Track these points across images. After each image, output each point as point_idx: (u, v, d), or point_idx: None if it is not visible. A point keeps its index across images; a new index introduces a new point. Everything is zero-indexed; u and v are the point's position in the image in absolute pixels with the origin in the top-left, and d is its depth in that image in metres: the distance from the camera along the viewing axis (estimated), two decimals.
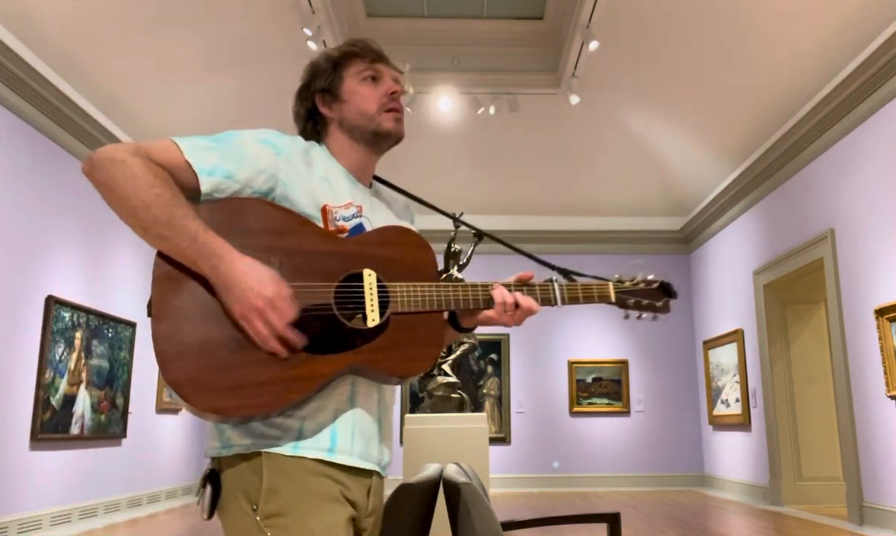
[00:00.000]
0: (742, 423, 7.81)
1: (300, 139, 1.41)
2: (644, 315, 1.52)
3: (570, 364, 9.20)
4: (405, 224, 1.49)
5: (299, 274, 1.22)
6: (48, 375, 5.43)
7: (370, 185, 1.49)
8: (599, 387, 9.22)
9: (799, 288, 7.15)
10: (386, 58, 1.47)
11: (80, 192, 6.07)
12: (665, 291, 1.52)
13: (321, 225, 1.30)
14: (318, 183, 1.34)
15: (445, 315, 1.43)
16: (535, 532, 4.33)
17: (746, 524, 5.90)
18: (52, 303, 5.49)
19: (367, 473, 1.32)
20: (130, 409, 6.81)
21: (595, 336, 9.26)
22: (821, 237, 6.10)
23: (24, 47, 5.17)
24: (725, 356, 8.29)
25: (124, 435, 6.70)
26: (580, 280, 1.49)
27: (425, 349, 1.28)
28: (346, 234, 1.32)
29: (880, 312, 5.16)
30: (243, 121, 7.45)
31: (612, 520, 2.38)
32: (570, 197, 9.13)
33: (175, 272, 1.18)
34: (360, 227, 1.34)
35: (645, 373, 9.28)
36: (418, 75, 7.04)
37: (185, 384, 1.14)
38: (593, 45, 6.34)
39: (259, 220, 1.24)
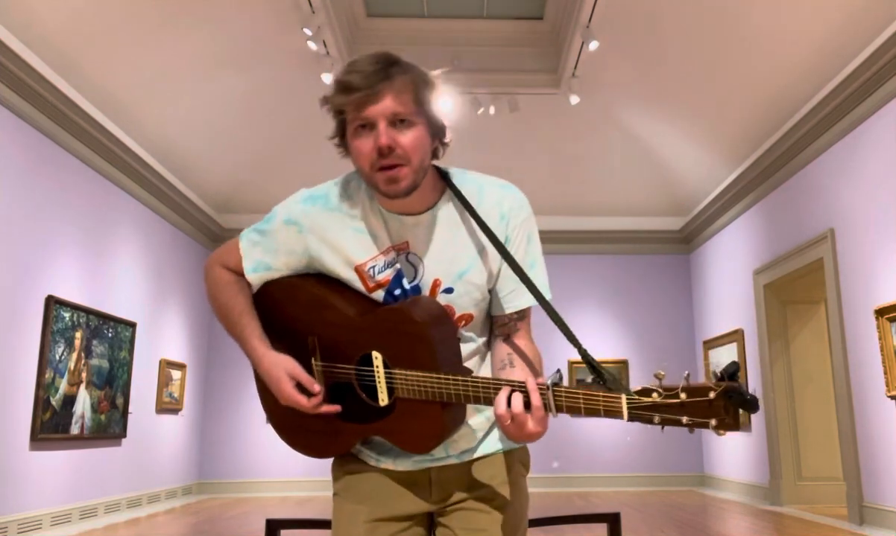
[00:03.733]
0: (742, 423, 7.82)
1: (336, 191, 1.36)
2: (695, 428, 1.06)
3: (570, 364, 9.20)
4: (482, 242, 1.36)
5: (329, 352, 1.35)
6: (48, 375, 5.43)
7: (429, 208, 1.35)
8: (599, 387, 9.20)
9: (799, 288, 7.14)
10: (375, 91, 1.18)
11: (80, 192, 6.07)
12: (733, 400, 1.01)
13: (360, 284, 1.35)
14: (352, 236, 1.34)
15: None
16: (535, 532, 4.32)
17: (746, 524, 5.90)
18: (52, 303, 5.49)
19: (419, 471, 1.40)
20: (130, 409, 6.82)
21: (595, 336, 9.26)
22: (821, 237, 6.09)
23: (24, 47, 5.16)
24: (725, 356, 8.29)
25: (124, 435, 6.70)
26: (582, 385, 1.30)
27: (425, 438, 1.30)
28: (386, 287, 1.34)
29: (880, 312, 5.16)
30: (244, 121, 7.46)
31: (612, 520, 2.39)
32: (570, 197, 9.12)
33: None
34: (400, 275, 1.34)
35: (645, 373, 9.27)
36: None
37: (281, 433, 1.47)
38: (593, 45, 6.33)
39: (302, 299, 1.38)
